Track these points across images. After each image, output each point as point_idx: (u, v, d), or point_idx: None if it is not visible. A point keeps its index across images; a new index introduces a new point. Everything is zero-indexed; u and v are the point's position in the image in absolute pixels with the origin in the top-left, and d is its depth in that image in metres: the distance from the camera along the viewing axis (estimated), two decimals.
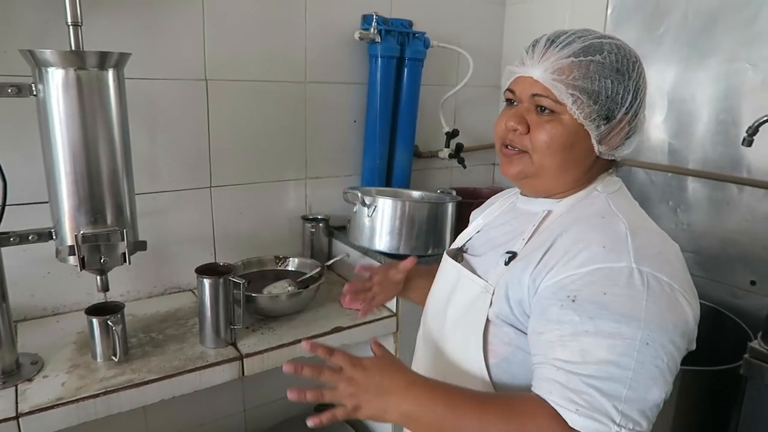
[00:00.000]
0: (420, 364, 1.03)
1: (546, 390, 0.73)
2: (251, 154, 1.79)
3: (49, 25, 1.40)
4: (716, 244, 1.74)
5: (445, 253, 1.01)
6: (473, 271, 0.91)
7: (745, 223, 1.66)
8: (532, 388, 0.76)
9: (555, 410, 0.71)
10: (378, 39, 1.83)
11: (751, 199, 1.63)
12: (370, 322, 1.55)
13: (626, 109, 0.81)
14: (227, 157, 1.74)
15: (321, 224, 1.90)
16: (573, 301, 0.72)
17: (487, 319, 0.84)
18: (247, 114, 1.76)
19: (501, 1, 2.29)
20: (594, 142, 0.82)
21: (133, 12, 1.51)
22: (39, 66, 1.12)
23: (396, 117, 1.99)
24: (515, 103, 0.86)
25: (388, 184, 2.03)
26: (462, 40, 2.14)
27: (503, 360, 0.83)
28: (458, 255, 0.99)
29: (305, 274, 1.67)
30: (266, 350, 1.38)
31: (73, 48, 1.15)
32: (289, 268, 1.75)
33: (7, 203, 1.29)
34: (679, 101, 1.78)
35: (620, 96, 0.80)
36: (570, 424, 0.69)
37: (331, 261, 1.80)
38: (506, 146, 0.87)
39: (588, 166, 0.86)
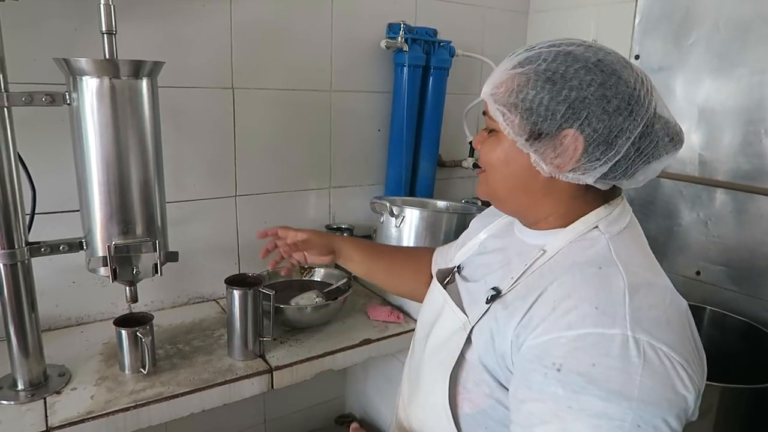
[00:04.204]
0: (403, 390, 0.98)
1: None
2: (276, 163, 1.78)
3: (78, 33, 1.39)
4: (748, 257, 1.70)
5: (435, 272, 0.95)
6: (459, 300, 0.85)
7: None
8: None
9: None
10: (405, 48, 1.82)
11: None
12: (399, 334, 1.52)
13: (560, 123, 0.70)
14: (252, 166, 1.73)
15: (345, 234, 1.88)
16: (558, 370, 0.64)
17: (465, 360, 0.77)
18: (272, 122, 1.74)
19: (524, 10, 2.27)
20: (538, 161, 0.73)
21: (160, 21, 1.50)
22: (73, 74, 1.11)
23: (420, 126, 1.98)
24: None
25: (411, 193, 2.01)
26: (485, 49, 2.12)
27: (480, 412, 0.76)
28: (451, 275, 0.92)
29: (331, 284, 1.64)
30: (296, 363, 1.36)
31: (107, 56, 1.14)
32: (315, 279, 1.73)
33: (36, 212, 1.28)
34: (709, 112, 1.75)
35: (543, 108, 0.70)
36: None
37: None
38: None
39: (543, 190, 0.76)
